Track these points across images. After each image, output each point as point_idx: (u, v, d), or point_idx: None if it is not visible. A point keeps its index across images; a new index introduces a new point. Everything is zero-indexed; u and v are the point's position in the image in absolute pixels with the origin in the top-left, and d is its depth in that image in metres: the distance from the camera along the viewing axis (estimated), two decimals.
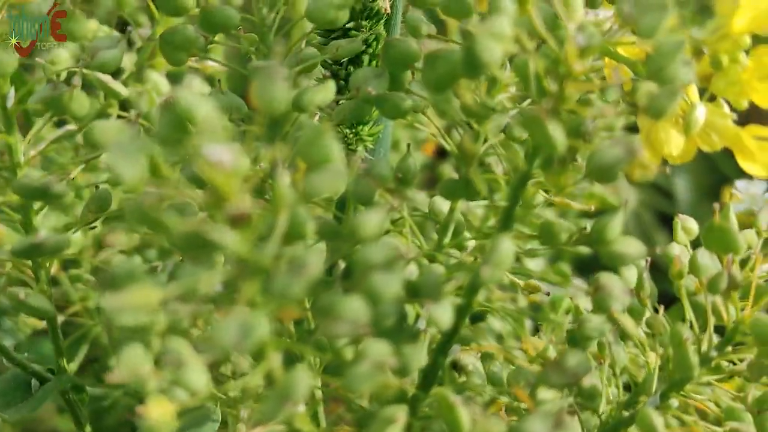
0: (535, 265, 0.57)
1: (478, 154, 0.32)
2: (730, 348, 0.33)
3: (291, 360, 0.33)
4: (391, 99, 0.36)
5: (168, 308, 0.27)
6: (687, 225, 0.38)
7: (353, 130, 0.44)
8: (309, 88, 0.35)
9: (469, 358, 0.39)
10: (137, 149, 0.26)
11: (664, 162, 0.32)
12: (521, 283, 0.38)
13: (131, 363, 0.27)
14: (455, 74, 0.30)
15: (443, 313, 0.30)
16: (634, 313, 0.37)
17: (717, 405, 0.36)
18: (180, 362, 0.26)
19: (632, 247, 0.31)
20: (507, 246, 0.30)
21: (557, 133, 0.28)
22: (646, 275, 0.36)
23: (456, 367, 0.39)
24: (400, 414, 0.30)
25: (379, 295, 0.28)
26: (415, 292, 0.31)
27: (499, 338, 0.56)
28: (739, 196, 0.48)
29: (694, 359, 0.32)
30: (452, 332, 0.34)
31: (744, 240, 0.32)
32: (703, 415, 0.37)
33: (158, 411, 0.27)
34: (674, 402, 0.36)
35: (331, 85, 0.36)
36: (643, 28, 0.29)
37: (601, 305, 0.32)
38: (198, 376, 0.26)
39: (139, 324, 0.27)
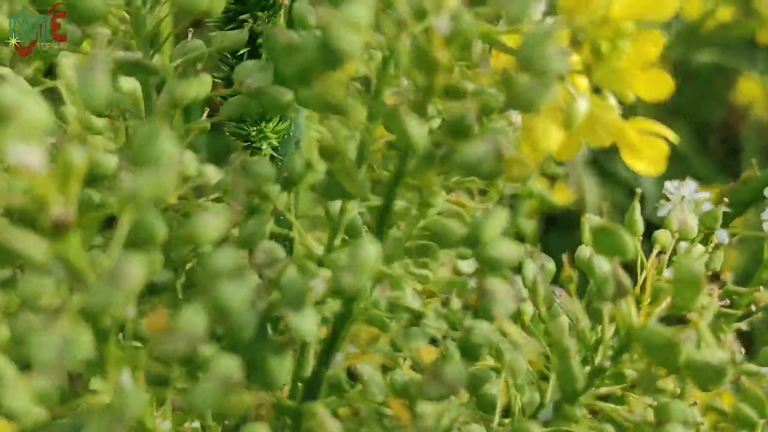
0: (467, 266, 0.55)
1: (342, 152, 0.29)
2: (626, 357, 0.31)
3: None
4: (270, 92, 0.34)
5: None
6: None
7: (257, 128, 0.42)
8: (182, 82, 0.33)
9: (366, 368, 0.37)
10: None
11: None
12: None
13: None
14: (314, 67, 0.28)
15: (304, 321, 0.28)
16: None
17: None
18: None
19: (507, 250, 0.29)
20: (368, 251, 0.27)
21: (414, 129, 0.26)
22: (540, 279, 0.33)
23: (352, 376, 0.37)
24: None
25: (226, 305, 0.26)
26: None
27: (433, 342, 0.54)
28: (669, 197, 0.46)
29: (579, 371, 0.30)
30: (333, 342, 0.32)
31: (633, 243, 0.30)
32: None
33: None
34: (579, 412, 0.33)
35: (207, 79, 0.34)
36: (510, 14, 0.27)
37: (485, 311, 0.30)
38: (19, 396, 0.24)
39: None
